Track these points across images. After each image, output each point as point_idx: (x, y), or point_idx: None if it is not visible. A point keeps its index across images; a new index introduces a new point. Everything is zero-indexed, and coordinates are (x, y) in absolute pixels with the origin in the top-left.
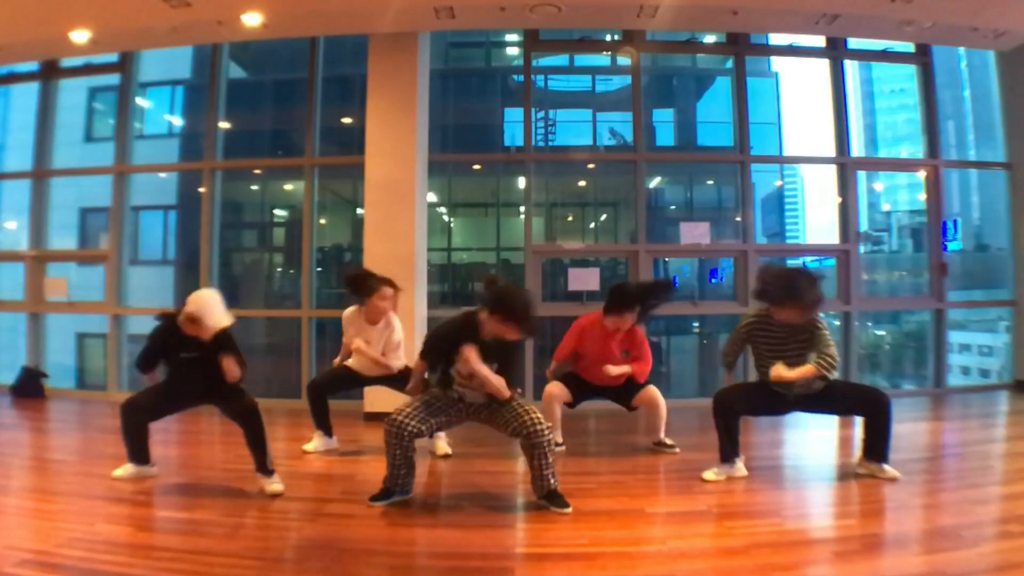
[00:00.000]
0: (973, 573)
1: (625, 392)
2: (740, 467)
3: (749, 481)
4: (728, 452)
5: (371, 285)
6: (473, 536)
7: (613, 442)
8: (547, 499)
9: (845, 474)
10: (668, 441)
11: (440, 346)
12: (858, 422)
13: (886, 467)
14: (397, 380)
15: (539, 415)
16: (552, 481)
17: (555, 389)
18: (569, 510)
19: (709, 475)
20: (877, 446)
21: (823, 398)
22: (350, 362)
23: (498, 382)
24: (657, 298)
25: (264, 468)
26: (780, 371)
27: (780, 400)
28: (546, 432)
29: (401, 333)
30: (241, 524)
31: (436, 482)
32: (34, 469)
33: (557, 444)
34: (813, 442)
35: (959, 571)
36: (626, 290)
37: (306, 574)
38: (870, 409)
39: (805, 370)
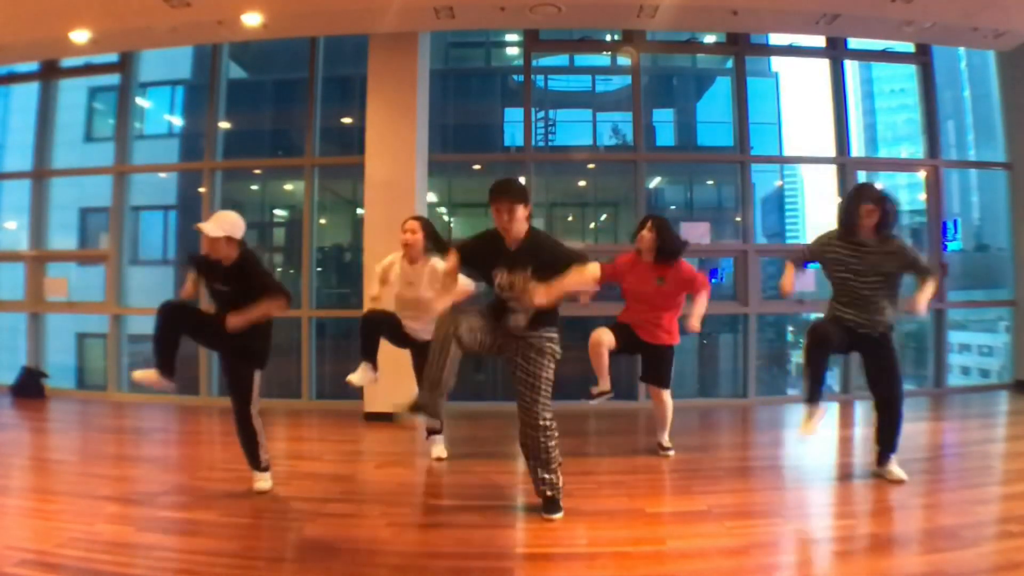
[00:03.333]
0: (973, 573)
1: (651, 365)
2: (824, 408)
3: (749, 481)
4: (815, 393)
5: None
6: (473, 536)
7: (613, 442)
8: (543, 504)
9: (845, 474)
10: (665, 444)
11: (473, 262)
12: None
13: (892, 468)
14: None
15: (548, 409)
16: (551, 484)
17: (604, 336)
18: (558, 516)
19: (807, 426)
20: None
21: (873, 350)
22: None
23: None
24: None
25: (256, 465)
26: (921, 304)
27: (850, 336)
28: (547, 428)
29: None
30: (241, 524)
31: (436, 482)
32: (34, 469)
33: (605, 392)
34: (813, 442)
35: (959, 571)
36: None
37: (306, 574)
38: (886, 403)
39: (929, 290)
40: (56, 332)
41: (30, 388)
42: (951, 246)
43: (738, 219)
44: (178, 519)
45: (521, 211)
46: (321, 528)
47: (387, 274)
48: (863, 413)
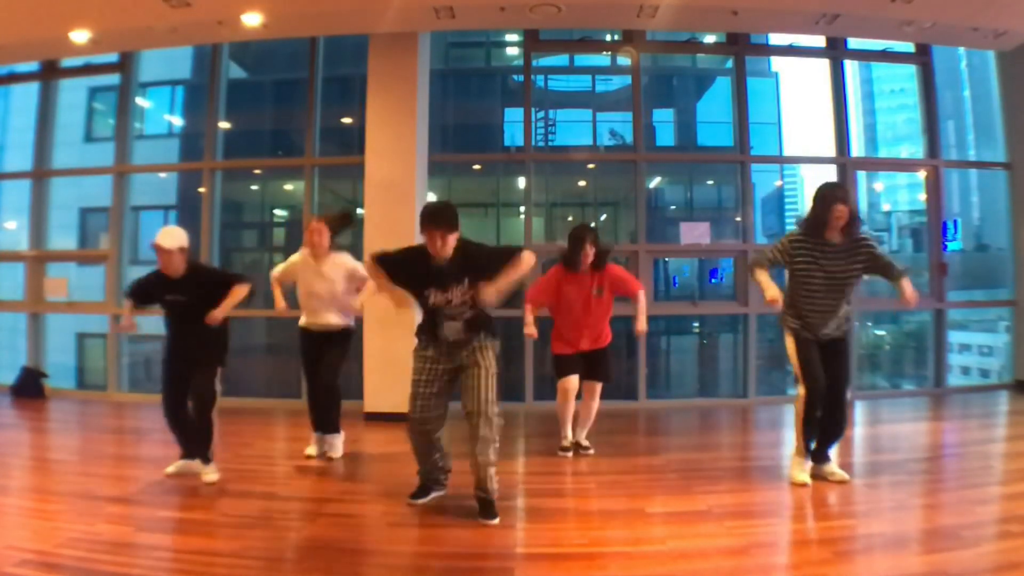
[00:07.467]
0: (973, 573)
1: (590, 368)
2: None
3: (749, 481)
4: (809, 445)
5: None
6: (473, 536)
7: (613, 442)
8: (480, 504)
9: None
10: (585, 443)
11: (397, 278)
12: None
13: (833, 468)
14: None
15: (493, 396)
16: (491, 485)
17: (571, 383)
18: (495, 521)
19: (802, 477)
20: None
21: (833, 354)
22: (302, 321)
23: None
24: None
25: (204, 457)
26: (910, 296)
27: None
28: (494, 417)
29: (352, 264)
30: (241, 524)
31: None
32: (34, 469)
33: (566, 448)
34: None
35: (959, 571)
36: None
37: (306, 574)
38: (834, 410)
39: (911, 292)
40: (56, 332)
41: (30, 388)
42: (951, 246)
43: (738, 219)
44: (178, 519)
45: (453, 238)
46: (321, 528)
47: (287, 276)
48: (863, 413)
